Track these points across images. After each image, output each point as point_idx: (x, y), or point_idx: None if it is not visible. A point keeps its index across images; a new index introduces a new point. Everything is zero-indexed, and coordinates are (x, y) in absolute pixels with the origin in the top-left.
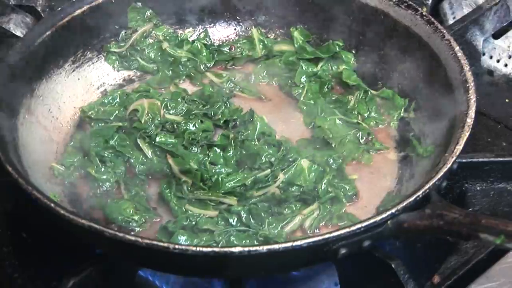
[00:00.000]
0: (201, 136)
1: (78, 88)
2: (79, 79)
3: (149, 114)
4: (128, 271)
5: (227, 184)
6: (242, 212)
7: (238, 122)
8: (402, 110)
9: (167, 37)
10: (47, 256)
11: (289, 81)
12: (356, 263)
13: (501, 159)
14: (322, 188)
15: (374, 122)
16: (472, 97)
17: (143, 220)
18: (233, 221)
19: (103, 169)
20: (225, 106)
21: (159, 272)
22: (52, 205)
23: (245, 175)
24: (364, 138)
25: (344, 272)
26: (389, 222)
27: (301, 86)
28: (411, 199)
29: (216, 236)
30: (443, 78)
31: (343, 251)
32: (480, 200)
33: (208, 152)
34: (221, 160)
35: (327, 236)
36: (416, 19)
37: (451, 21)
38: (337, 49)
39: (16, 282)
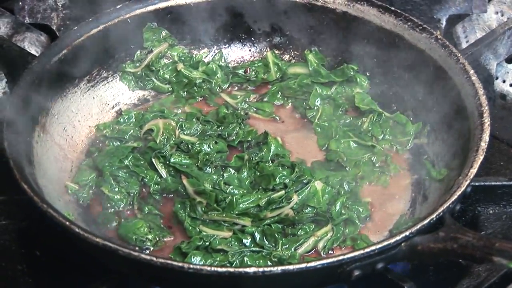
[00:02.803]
0: (215, 157)
1: (93, 107)
2: (94, 98)
3: (164, 134)
4: None
5: (241, 205)
6: (256, 233)
7: (252, 144)
8: (412, 137)
9: (182, 58)
10: (60, 274)
11: (304, 103)
12: (369, 285)
13: None
14: (336, 210)
15: (389, 144)
16: (486, 121)
17: (157, 239)
18: (247, 242)
19: (116, 188)
20: (239, 127)
21: None
22: (67, 223)
23: (259, 196)
24: (379, 160)
25: None
26: (403, 244)
27: (315, 108)
28: (425, 222)
29: (230, 257)
30: (457, 102)
31: (356, 273)
32: (493, 224)
33: (222, 173)
34: (235, 181)
35: (341, 258)
36: (431, 43)
37: (464, 45)
38: (352, 72)
39: None
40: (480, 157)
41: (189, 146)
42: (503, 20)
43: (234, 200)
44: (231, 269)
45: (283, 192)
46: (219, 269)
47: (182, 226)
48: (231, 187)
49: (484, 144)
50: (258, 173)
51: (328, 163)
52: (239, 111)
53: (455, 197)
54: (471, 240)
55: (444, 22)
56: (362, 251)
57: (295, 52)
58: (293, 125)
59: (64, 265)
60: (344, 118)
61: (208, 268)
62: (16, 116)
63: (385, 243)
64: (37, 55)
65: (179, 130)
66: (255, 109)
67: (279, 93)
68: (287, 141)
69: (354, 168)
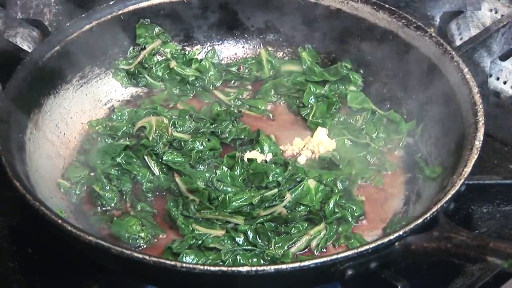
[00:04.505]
0: (208, 154)
1: (86, 103)
2: (86, 94)
3: (157, 132)
4: (134, 287)
5: (234, 203)
6: (249, 232)
7: (245, 141)
8: (405, 135)
9: (175, 55)
10: (52, 272)
11: (297, 101)
12: (362, 284)
13: (508, 181)
14: (329, 208)
15: (383, 142)
16: (481, 119)
17: (150, 237)
18: (240, 240)
19: (108, 186)
20: (232, 125)
21: None
22: (60, 221)
23: (252, 194)
24: (374, 159)
25: None
26: (396, 243)
27: (309, 106)
28: (419, 221)
29: (223, 255)
30: (451, 100)
31: (350, 272)
32: (486, 223)
33: (215, 170)
34: (228, 179)
35: (334, 257)
36: (425, 40)
37: (458, 42)
38: (345, 71)
39: None
40: (474, 156)
41: (182, 143)
42: (497, 18)
43: (227, 198)
44: (224, 268)
45: (276, 190)
46: (212, 268)
47: (174, 224)
48: (224, 185)
49: (478, 143)
50: (251, 171)
51: (321, 161)
52: (232, 109)
53: (449, 196)
54: (465, 240)
55: (438, 19)
56: (355, 251)
57: (289, 49)
58: (286, 123)
59: (56, 263)
60: (338, 116)
61: (201, 267)
62: (8, 112)
63: (379, 242)
64: (29, 50)
65: (172, 127)
66: (248, 106)
67: (272, 90)
68: (281, 138)
69: (348, 167)
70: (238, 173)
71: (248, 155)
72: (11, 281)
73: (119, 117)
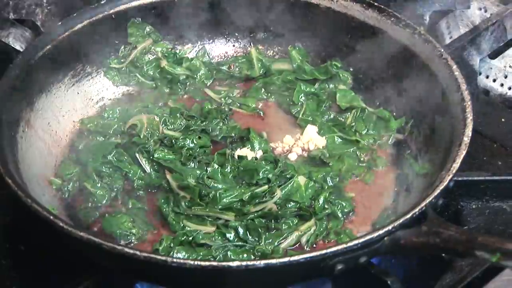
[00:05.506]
0: (198, 152)
1: (77, 102)
2: (78, 93)
3: (148, 129)
4: (126, 283)
5: (224, 200)
6: (239, 228)
7: (236, 139)
8: (395, 132)
9: (166, 54)
10: (45, 269)
11: (287, 99)
12: (352, 279)
13: (496, 177)
14: (319, 204)
15: (372, 139)
16: (469, 116)
17: (141, 233)
18: (231, 237)
19: (99, 184)
20: (223, 123)
21: (157, 285)
22: (51, 217)
23: (243, 191)
24: (364, 155)
25: None
26: (385, 238)
27: (299, 104)
28: (408, 216)
29: (214, 251)
30: (440, 97)
31: (339, 267)
32: (476, 218)
33: (206, 167)
34: (219, 176)
35: (324, 252)
36: (414, 38)
37: (447, 41)
38: (335, 70)
39: None
40: (463, 152)
41: (173, 141)
42: (486, 16)
43: (218, 194)
44: (214, 263)
45: (266, 187)
46: (203, 263)
47: (166, 220)
48: (214, 181)
49: (467, 139)
50: (242, 168)
51: (311, 158)
52: (222, 107)
53: (437, 191)
54: (454, 235)
55: (427, 18)
56: (344, 245)
57: (279, 47)
58: (277, 120)
59: (48, 260)
60: (328, 113)
61: (192, 262)
62: (0, 111)
63: (368, 237)
64: (21, 50)
65: (163, 125)
66: (238, 104)
67: (263, 88)
68: (271, 136)
69: (338, 163)
70: (229, 170)
71: (239, 152)
72: (4, 278)
73: (111, 115)
